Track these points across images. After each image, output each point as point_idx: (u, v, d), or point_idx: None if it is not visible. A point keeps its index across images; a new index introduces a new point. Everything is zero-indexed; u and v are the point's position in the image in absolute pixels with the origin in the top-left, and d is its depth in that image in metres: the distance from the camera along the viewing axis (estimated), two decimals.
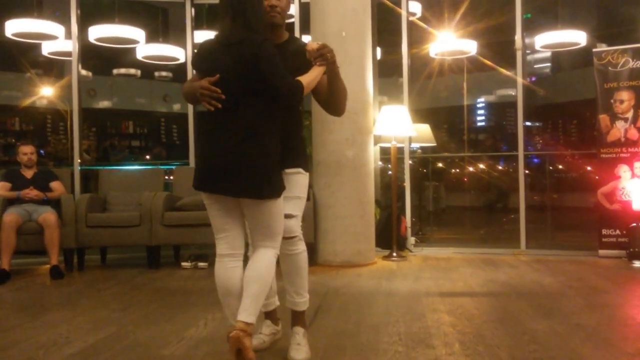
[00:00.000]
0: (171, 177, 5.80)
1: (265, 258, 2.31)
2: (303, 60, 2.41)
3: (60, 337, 2.82)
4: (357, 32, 4.99)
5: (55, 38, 5.91)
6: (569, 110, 11.69)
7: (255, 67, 2.22)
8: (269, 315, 2.68)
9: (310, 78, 2.34)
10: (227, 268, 2.33)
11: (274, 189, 2.28)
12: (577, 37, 6.45)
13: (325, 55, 2.36)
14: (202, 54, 2.37)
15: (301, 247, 2.52)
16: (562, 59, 12.02)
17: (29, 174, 4.94)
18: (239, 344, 2.14)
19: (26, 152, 4.94)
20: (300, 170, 2.50)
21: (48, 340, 2.77)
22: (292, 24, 5.85)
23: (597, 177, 5.50)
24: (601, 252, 5.22)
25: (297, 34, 5.77)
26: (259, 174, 2.24)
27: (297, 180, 2.48)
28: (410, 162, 5.88)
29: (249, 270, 2.31)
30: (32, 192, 4.79)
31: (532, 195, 6.80)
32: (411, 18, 6.00)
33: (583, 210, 7.36)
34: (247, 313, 2.21)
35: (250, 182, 2.23)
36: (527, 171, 5.74)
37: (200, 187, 2.33)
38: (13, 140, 9.79)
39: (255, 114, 2.27)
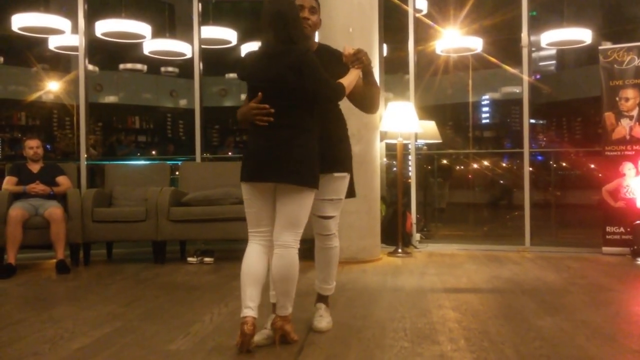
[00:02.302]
0: (177, 173, 5.82)
1: (288, 258, 2.51)
2: (336, 66, 2.64)
3: (66, 332, 2.84)
4: (364, 29, 4.99)
5: (62, 32, 5.94)
6: (573, 108, 11.64)
7: (298, 74, 2.45)
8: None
9: (349, 80, 2.60)
10: (257, 253, 2.55)
11: (311, 179, 2.50)
12: (582, 35, 6.44)
13: (361, 59, 2.63)
14: (247, 64, 2.60)
15: (335, 243, 2.80)
16: (567, 56, 11.98)
17: (35, 168, 4.95)
18: (281, 330, 2.53)
19: (32, 146, 4.96)
20: (347, 174, 2.74)
21: (54, 335, 2.78)
22: None
23: (601, 175, 5.49)
24: (605, 249, 5.23)
25: None
26: (299, 164, 2.47)
27: (342, 184, 2.72)
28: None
29: (275, 271, 2.52)
30: (38, 187, 4.80)
31: (536, 192, 6.79)
32: (417, 15, 5.99)
33: (587, 208, 7.35)
34: (283, 309, 2.54)
35: (291, 170, 2.46)
36: (531, 168, 5.74)
37: (247, 179, 2.54)
38: (19, 135, 9.81)
39: (297, 116, 2.52)
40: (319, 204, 2.69)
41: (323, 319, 2.82)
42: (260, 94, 2.49)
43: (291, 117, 2.50)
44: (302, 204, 2.51)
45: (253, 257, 2.54)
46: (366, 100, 2.80)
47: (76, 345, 2.62)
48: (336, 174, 2.69)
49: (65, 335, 2.79)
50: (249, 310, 2.44)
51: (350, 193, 2.83)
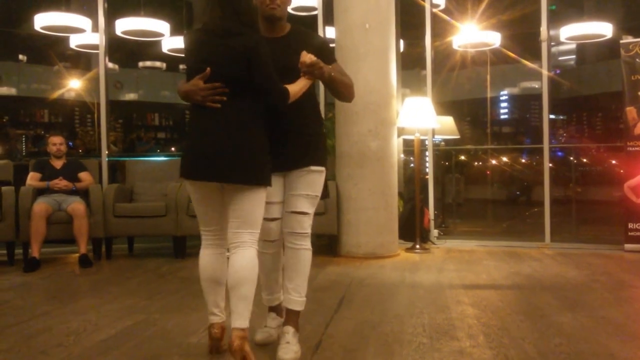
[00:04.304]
0: None
1: (246, 258, 2.26)
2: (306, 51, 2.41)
3: (90, 324, 2.89)
4: (380, 24, 4.97)
5: (83, 31, 6.03)
6: (594, 103, 11.50)
7: (245, 63, 2.21)
8: (274, 308, 2.65)
9: (296, 88, 2.34)
10: (212, 255, 2.40)
11: (262, 176, 2.27)
12: (603, 28, 6.33)
13: (312, 73, 2.37)
14: (192, 46, 2.32)
15: (307, 245, 2.50)
16: (587, 51, 11.82)
17: (58, 164, 5.04)
18: (243, 352, 2.17)
19: (55, 142, 5.04)
20: (320, 168, 2.52)
21: (78, 327, 2.84)
22: (315, 16, 5.85)
23: (623, 171, 5.41)
24: (627, 246, 5.15)
25: (320, 26, 5.77)
26: (248, 160, 2.23)
27: (315, 179, 2.50)
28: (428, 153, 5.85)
29: (233, 274, 2.26)
30: (61, 183, 4.88)
31: (556, 188, 6.72)
32: (434, 10, 5.96)
33: (609, 204, 7.26)
34: (242, 319, 2.22)
35: (239, 168, 2.22)
36: (551, 164, 5.68)
37: (187, 176, 2.30)
38: (42, 132, 10.00)
39: (245, 106, 2.26)
40: (293, 199, 2.47)
41: (290, 347, 2.39)
42: (208, 69, 2.21)
43: (233, 106, 2.22)
44: (256, 203, 2.26)
45: (207, 261, 2.39)
46: (339, 94, 2.61)
47: (99, 337, 2.67)
48: (313, 167, 2.47)
49: (89, 327, 2.84)
50: (214, 317, 2.39)
51: (324, 194, 2.59)
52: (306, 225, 2.48)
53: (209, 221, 2.39)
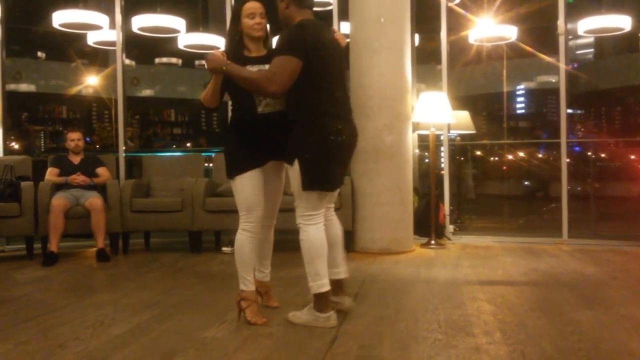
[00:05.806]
0: (211, 164, 5.91)
1: (237, 239, 2.82)
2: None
3: (107, 318, 2.92)
4: (395, 18, 4.94)
5: (100, 28, 6.07)
6: (613, 97, 11.31)
7: None
8: (334, 284, 2.83)
9: (205, 90, 2.77)
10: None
11: (229, 171, 2.83)
12: (621, 21, 6.21)
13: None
14: None
15: (300, 235, 2.74)
16: (605, 44, 11.62)
17: (76, 160, 5.10)
18: (239, 305, 2.82)
19: (73, 138, 5.10)
20: (289, 166, 2.73)
21: (95, 321, 2.87)
22: (330, 10, 5.83)
23: None
24: None
25: (335, 20, 5.75)
26: (225, 158, 2.89)
27: (291, 175, 2.75)
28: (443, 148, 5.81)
29: None
30: (79, 178, 4.94)
31: (574, 184, 6.63)
32: (450, 4, 5.90)
33: (627, 200, 7.15)
34: (240, 284, 2.82)
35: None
36: (568, 159, 5.60)
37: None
38: (60, 128, 10.13)
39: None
40: None
41: (296, 314, 2.79)
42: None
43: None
44: (234, 191, 2.82)
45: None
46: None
47: (116, 331, 2.69)
48: (286, 165, 2.80)
49: (106, 321, 2.87)
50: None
51: (307, 183, 2.68)
52: (297, 218, 2.76)
53: None
